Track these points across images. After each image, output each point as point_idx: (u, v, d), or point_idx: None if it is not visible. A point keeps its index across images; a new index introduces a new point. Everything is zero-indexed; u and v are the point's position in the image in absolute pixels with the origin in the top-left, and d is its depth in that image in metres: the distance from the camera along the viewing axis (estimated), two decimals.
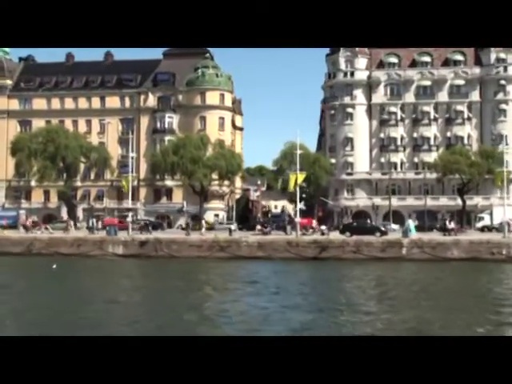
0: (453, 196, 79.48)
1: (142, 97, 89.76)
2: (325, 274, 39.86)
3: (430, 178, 78.51)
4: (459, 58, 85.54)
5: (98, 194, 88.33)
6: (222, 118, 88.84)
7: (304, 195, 79.43)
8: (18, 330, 19.95)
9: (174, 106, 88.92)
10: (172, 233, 63.92)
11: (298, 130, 58.59)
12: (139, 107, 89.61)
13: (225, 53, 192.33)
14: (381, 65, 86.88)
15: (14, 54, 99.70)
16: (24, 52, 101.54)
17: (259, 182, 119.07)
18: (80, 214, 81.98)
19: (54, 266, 40.96)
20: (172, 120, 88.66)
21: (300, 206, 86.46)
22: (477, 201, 78.58)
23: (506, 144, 73.64)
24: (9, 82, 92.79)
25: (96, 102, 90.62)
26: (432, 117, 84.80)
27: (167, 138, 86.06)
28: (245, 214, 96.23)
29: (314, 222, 64.10)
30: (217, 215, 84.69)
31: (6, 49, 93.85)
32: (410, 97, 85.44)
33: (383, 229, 57.05)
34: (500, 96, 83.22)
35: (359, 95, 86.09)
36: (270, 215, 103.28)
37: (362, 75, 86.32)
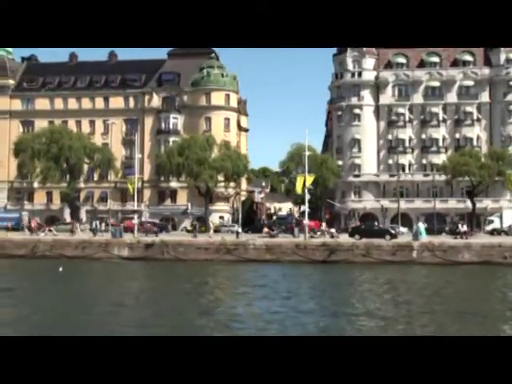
0: (462, 198, 78.68)
1: (147, 97, 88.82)
2: (335, 278, 39.45)
3: (439, 180, 77.28)
4: (468, 58, 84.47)
5: (101, 196, 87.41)
6: (227, 119, 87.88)
7: (309, 197, 78.49)
8: (27, 333, 19.03)
9: (179, 107, 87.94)
10: (177, 235, 63.62)
11: (307, 131, 57.31)
12: (143, 107, 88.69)
13: (229, 53, 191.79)
14: (389, 65, 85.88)
15: (17, 54, 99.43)
16: (27, 52, 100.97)
17: (263, 184, 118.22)
18: (83, 215, 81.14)
19: (61, 269, 40.47)
20: (177, 121, 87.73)
21: (305, 208, 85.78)
22: (486, 203, 77.44)
23: None
24: (11, 81, 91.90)
25: (100, 103, 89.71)
26: (441, 118, 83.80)
27: (172, 138, 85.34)
28: (250, 217, 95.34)
29: (324, 225, 63.17)
30: (222, 217, 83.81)
31: (9, 48, 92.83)
32: (418, 98, 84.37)
33: (393, 232, 56.05)
34: (510, 97, 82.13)
35: (367, 96, 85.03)
36: (275, 217, 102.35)
37: (369, 76, 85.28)
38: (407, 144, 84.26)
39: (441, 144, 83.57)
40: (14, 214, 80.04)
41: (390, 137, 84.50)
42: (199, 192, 73.73)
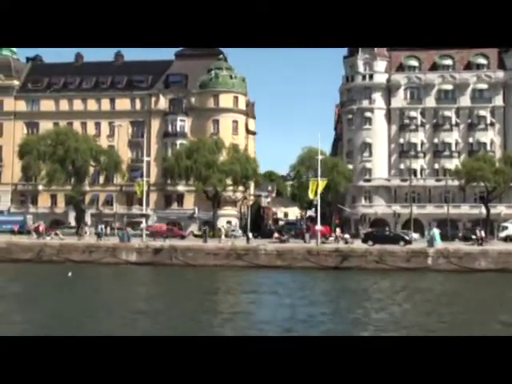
0: (475, 204, 77.43)
1: (153, 99, 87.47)
2: (350, 285, 38.69)
3: (451, 185, 76.16)
4: (482, 61, 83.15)
5: (106, 199, 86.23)
6: (235, 122, 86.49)
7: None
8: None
9: (186, 109, 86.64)
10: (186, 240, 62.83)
11: (319, 135, 56.10)
12: (150, 110, 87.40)
13: (235, 54, 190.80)
14: (400, 68, 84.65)
15: (22, 54, 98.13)
16: (31, 52, 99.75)
17: (270, 188, 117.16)
18: (88, 219, 79.94)
19: (70, 274, 39.64)
20: (184, 123, 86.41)
21: (311, 213, 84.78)
22: (500, 209, 76.11)
23: None
24: (16, 82, 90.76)
25: (106, 104, 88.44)
26: (453, 122, 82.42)
27: (179, 141, 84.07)
28: (256, 221, 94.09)
29: (338, 230, 61.92)
30: (229, 222, 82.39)
31: (14, 48, 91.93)
32: (430, 101, 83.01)
33: (407, 237, 55.04)
34: None
35: (378, 99, 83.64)
36: (284, 222, 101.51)
37: (381, 78, 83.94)
38: (419, 148, 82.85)
39: (453, 148, 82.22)
40: (18, 217, 78.99)
41: (401, 141, 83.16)
42: (207, 196, 72.67)
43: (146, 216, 62.20)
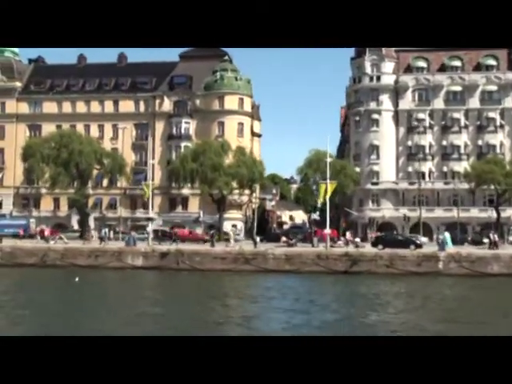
0: (484, 207, 76.50)
1: (158, 101, 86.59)
2: (361, 289, 38.07)
3: (460, 188, 75.40)
4: (491, 62, 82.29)
5: (110, 203, 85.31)
6: (240, 124, 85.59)
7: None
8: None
9: (191, 111, 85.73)
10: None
11: (328, 137, 55.40)
12: (154, 112, 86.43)
13: (240, 55, 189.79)
14: (408, 69, 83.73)
15: (24, 56, 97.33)
16: (34, 53, 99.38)
17: (274, 191, 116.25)
18: (91, 222, 78.86)
19: (77, 279, 38.91)
20: (188, 125, 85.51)
21: (315, 216, 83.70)
22: (510, 213, 75.04)
23: None
24: (18, 84, 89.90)
25: (109, 106, 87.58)
26: (462, 124, 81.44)
27: (183, 144, 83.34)
28: (261, 225, 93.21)
29: (348, 234, 61.03)
30: (234, 225, 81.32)
31: (15, 49, 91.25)
32: (439, 103, 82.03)
33: (418, 241, 54.35)
34: None
35: (386, 101, 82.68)
36: (289, 226, 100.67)
37: (388, 80, 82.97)
38: (427, 151, 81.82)
39: (462, 151, 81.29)
40: (20, 221, 78.22)
41: (409, 143, 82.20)
42: (212, 199, 71.63)
43: (151, 219, 61.11)
